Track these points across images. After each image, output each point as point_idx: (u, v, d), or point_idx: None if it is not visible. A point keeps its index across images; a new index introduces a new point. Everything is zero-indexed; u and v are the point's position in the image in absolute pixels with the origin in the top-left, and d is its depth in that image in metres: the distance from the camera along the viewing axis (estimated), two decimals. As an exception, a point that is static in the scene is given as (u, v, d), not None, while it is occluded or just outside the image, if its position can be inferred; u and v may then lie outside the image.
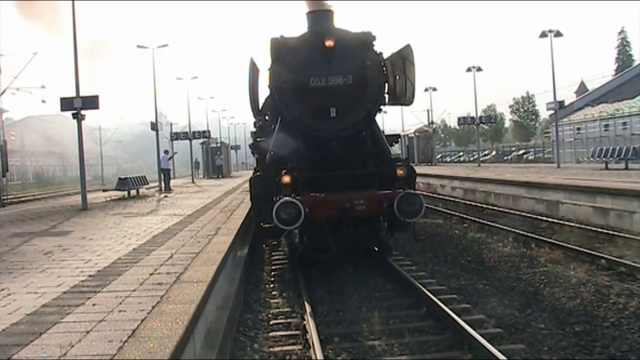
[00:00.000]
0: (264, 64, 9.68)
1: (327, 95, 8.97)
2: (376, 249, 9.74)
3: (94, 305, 4.79)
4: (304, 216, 7.81)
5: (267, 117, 11.39)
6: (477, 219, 15.50)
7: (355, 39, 9.39)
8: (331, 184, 8.71)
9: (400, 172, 8.58)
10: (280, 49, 9.34)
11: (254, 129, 13.55)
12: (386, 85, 9.57)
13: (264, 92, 10.18)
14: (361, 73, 9.15)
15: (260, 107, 10.53)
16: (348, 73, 9.02)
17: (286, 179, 8.23)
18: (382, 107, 9.60)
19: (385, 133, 10.53)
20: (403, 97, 9.98)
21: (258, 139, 11.14)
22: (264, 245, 11.76)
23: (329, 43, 8.85)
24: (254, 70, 9.67)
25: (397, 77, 10.05)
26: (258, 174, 9.78)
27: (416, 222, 8.83)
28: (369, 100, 9.27)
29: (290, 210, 7.81)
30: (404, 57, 9.84)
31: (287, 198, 7.94)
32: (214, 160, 44.10)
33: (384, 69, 9.53)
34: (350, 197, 8.24)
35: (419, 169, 11.67)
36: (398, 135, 12.59)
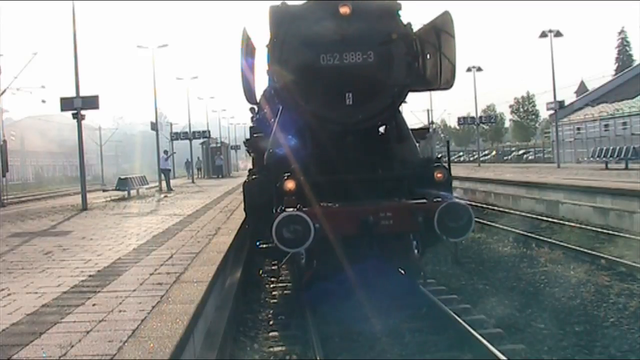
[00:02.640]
0: (263, 41, 7.64)
1: (342, 77, 7.06)
2: (402, 271, 7.64)
3: (94, 305, 4.79)
4: (313, 234, 6.02)
5: (265, 111, 9.43)
6: (477, 219, 15.48)
7: (377, 6, 7.45)
8: (347, 191, 6.96)
9: (439, 175, 6.80)
10: (282, 20, 7.35)
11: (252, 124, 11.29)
12: (416, 64, 7.64)
13: (261, 77, 8.26)
14: (385, 49, 7.19)
15: (257, 99, 8.71)
16: (368, 49, 7.05)
17: (289, 184, 6.46)
18: (409, 93, 7.78)
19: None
20: (436, 80, 7.81)
21: (255, 135, 9.12)
22: (260, 272, 9.09)
23: (344, 10, 6.96)
24: (247, 46, 7.58)
25: (428, 56, 7.92)
26: (254, 177, 7.57)
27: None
28: (394, 84, 7.30)
29: (295, 226, 6.03)
30: (439, 29, 7.64)
31: (290, 210, 6.16)
32: (214, 160, 44.13)
33: (414, 44, 7.58)
34: (374, 208, 6.45)
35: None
36: (427, 129, 10.40)
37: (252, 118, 10.66)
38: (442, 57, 7.61)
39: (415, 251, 7.06)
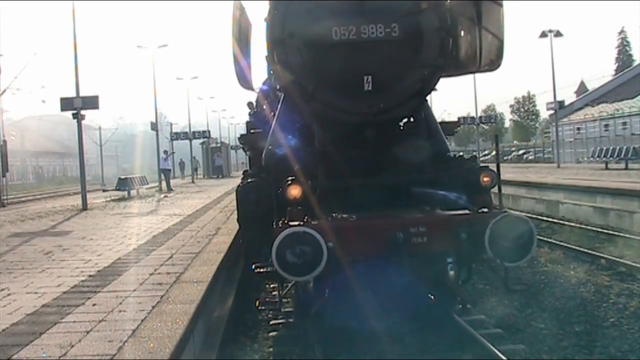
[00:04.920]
0: (261, 14, 6.19)
1: (359, 56, 5.56)
2: (432, 297, 5.94)
3: (94, 305, 4.79)
4: (326, 257, 4.64)
5: (264, 103, 7.96)
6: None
7: None
8: (367, 200, 5.63)
9: (486, 179, 5.45)
10: None
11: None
12: (450, 41, 6.02)
13: (259, 60, 6.63)
14: (413, 21, 5.66)
15: (254, 85, 7.15)
16: (392, 21, 5.53)
17: (294, 191, 5.01)
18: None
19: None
20: (474, 61, 6.38)
21: (252, 131, 7.41)
22: (257, 304, 6.30)
23: None
24: (241, 19, 6.27)
25: (462, 33, 6.47)
26: (250, 181, 5.88)
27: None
28: (424, 65, 5.76)
29: (302, 247, 4.66)
30: None
31: (295, 225, 4.78)
32: (214, 160, 44.17)
33: (448, 16, 5.98)
34: (403, 220, 5.10)
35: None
36: (457, 123, 8.78)
37: (250, 114, 9.26)
38: (484, 31, 6.18)
39: (451, 272, 5.48)
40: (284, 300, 5.72)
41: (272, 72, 6.51)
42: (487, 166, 5.71)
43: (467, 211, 5.22)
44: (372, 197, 5.67)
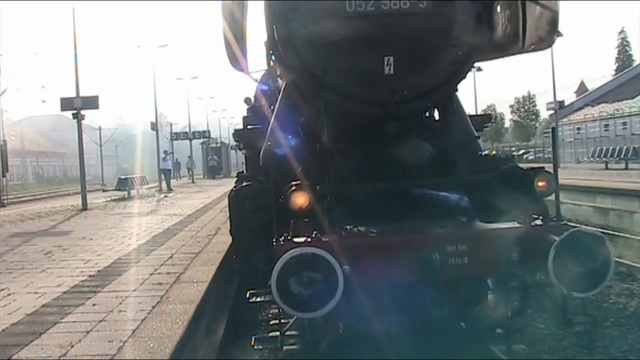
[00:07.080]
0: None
1: (379, 32, 4.42)
2: (463, 324, 4.68)
3: (94, 305, 4.79)
4: (342, 287, 3.55)
5: (263, 102, 6.74)
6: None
7: None
8: (387, 209, 4.39)
9: (541, 184, 4.59)
10: None
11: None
12: (488, 17, 4.92)
13: (257, 43, 5.40)
14: None
15: (248, 68, 5.51)
16: None
17: (300, 199, 3.98)
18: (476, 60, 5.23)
19: None
20: (515, 40, 5.22)
21: (249, 126, 6.21)
22: (253, 342, 4.58)
23: None
24: None
25: (498, 8, 5.26)
26: (245, 185, 4.86)
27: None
28: (457, 44, 4.67)
29: (310, 274, 3.59)
30: None
31: (302, 243, 3.69)
32: (207, 160, 44.19)
33: None
34: (439, 237, 4.00)
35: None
36: (489, 117, 7.45)
37: (247, 109, 8.17)
38: (531, 3, 5.13)
39: (490, 296, 4.74)
40: (287, 334, 4.48)
41: (271, 61, 5.61)
42: (543, 167, 4.74)
43: (517, 224, 4.12)
44: (393, 206, 4.46)
